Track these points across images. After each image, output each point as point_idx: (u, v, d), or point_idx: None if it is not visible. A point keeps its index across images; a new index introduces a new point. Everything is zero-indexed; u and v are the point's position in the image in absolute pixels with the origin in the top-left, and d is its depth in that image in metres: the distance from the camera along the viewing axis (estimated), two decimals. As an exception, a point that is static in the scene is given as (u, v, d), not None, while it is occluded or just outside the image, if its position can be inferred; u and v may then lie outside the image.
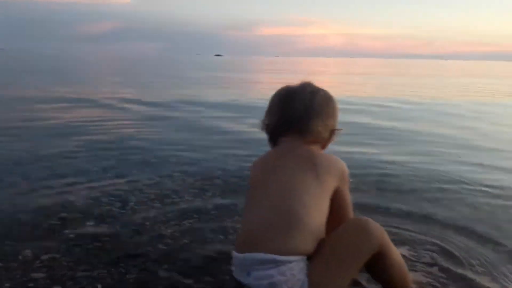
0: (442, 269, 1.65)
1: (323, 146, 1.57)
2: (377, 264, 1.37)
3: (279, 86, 1.58)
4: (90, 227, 1.95)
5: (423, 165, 3.27)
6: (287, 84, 1.59)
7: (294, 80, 1.59)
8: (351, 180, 1.56)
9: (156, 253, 1.71)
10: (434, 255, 1.76)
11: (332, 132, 1.55)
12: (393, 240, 1.42)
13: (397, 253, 1.45)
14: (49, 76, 14.90)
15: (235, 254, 1.37)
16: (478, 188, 2.69)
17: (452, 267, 1.66)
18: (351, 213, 1.51)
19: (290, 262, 1.26)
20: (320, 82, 1.65)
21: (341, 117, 1.59)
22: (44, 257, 1.65)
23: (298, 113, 1.49)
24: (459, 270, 1.64)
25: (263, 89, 10.57)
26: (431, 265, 1.68)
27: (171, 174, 2.83)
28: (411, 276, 1.51)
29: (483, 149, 4.05)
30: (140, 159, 3.25)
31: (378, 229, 1.36)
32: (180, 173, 2.87)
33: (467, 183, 2.78)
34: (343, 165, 1.48)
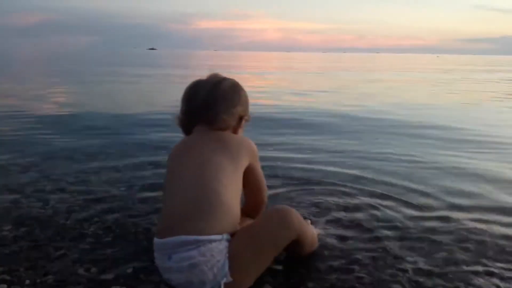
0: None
1: (234, 132, 1.65)
2: (293, 245, 1.49)
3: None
4: (6, 231, 1.86)
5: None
6: (197, 79, 1.64)
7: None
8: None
9: (77, 252, 1.68)
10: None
11: (241, 119, 1.65)
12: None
13: (310, 233, 1.62)
14: None
15: (156, 240, 1.39)
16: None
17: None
18: (264, 187, 1.70)
19: (210, 242, 1.30)
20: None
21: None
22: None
23: (201, 104, 1.56)
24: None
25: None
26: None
27: (98, 171, 2.77)
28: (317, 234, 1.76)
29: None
30: (67, 156, 3.14)
31: (297, 219, 1.47)
32: (107, 169, 2.82)
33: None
34: (251, 143, 1.61)
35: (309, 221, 1.84)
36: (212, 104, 1.55)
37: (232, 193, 1.43)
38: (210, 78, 1.64)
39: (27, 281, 1.48)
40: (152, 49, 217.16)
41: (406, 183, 2.62)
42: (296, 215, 1.47)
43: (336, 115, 5.51)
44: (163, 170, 2.61)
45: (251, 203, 1.72)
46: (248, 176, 1.59)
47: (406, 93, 9.30)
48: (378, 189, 2.49)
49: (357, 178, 2.70)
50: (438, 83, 12.60)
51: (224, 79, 1.64)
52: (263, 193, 1.71)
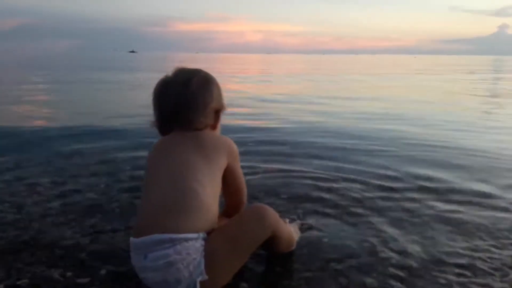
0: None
1: (213, 128, 1.62)
2: (270, 243, 1.51)
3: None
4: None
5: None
6: (163, 76, 1.58)
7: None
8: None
9: (52, 256, 1.66)
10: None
11: (217, 112, 1.61)
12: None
13: (287, 231, 1.62)
14: None
15: (132, 239, 1.38)
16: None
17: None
18: (243, 188, 1.68)
19: (186, 240, 1.30)
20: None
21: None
22: None
23: (173, 109, 1.52)
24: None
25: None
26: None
27: (76, 174, 2.73)
28: (295, 233, 1.77)
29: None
30: (43, 160, 3.09)
31: (273, 217, 1.49)
32: (86, 171, 2.79)
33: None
34: (231, 143, 1.59)
35: (286, 220, 1.85)
36: (184, 108, 1.51)
37: (209, 193, 1.43)
38: (178, 76, 1.56)
39: (1, 286, 1.45)
40: (133, 51, 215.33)
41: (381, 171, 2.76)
42: (272, 212, 1.49)
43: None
44: (140, 172, 2.65)
45: (231, 204, 1.72)
46: (227, 177, 1.58)
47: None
48: (356, 179, 2.58)
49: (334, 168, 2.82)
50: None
51: (193, 75, 1.56)
52: (243, 194, 1.70)
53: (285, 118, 5.26)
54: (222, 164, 1.53)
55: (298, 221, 1.97)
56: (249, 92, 9.01)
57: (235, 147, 1.60)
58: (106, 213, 2.10)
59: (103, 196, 2.34)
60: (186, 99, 1.51)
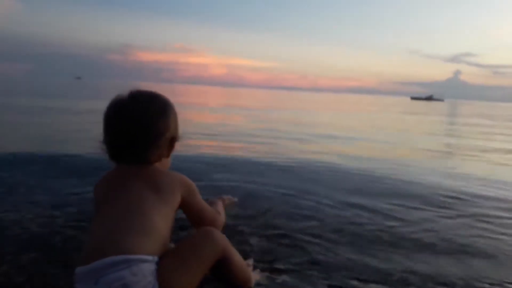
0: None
1: (167, 156, 1.60)
2: (222, 268, 1.49)
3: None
4: None
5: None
6: (117, 97, 1.50)
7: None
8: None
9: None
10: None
11: (172, 141, 1.58)
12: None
13: (239, 257, 1.59)
14: None
15: (79, 269, 1.26)
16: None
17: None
18: (209, 217, 1.66)
19: (142, 261, 1.25)
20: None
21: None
22: None
23: (126, 141, 1.46)
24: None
25: None
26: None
27: (16, 204, 2.57)
28: (254, 277, 1.70)
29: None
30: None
31: (221, 237, 1.49)
32: (28, 203, 2.63)
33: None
34: (185, 179, 1.56)
35: (250, 262, 1.84)
36: (138, 139, 1.45)
37: (162, 225, 1.40)
38: (134, 100, 1.48)
39: None
40: (78, 78, 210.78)
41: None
42: (219, 233, 1.49)
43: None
44: (86, 206, 2.52)
45: None
46: (189, 212, 1.60)
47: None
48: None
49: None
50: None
51: (150, 100, 1.50)
52: (211, 224, 1.63)
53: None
54: (175, 201, 1.51)
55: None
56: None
57: (188, 181, 1.59)
58: (47, 247, 1.97)
59: (45, 229, 2.21)
60: (141, 129, 1.45)
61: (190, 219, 1.64)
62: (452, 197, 3.36)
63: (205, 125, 9.25)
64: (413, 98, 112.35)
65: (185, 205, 1.57)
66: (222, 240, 1.49)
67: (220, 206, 1.91)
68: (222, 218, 1.77)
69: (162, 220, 1.41)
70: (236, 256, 1.57)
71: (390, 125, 12.46)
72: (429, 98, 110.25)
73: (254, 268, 1.84)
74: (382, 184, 3.75)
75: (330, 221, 2.59)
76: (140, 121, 1.45)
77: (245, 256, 1.98)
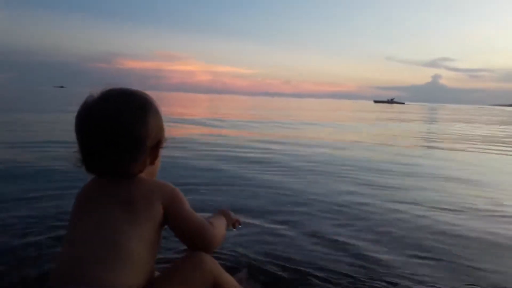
0: None
1: (152, 163, 1.34)
2: None
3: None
4: None
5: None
6: (88, 98, 1.25)
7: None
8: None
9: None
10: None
11: (157, 147, 1.32)
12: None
13: (231, 281, 1.47)
14: None
15: None
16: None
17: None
18: (199, 226, 1.36)
19: None
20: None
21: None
22: None
23: (99, 148, 1.23)
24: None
25: None
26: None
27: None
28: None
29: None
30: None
31: (213, 265, 1.36)
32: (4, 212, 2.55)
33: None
34: (163, 186, 1.32)
35: None
36: (114, 150, 1.22)
37: (141, 247, 1.20)
38: (106, 101, 1.23)
39: None
40: (61, 87, 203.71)
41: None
42: (209, 258, 1.36)
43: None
44: (64, 216, 2.45)
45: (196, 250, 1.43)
46: (174, 224, 1.32)
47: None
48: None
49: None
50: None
51: (125, 101, 1.24)
52: (202, 236, 1.36)
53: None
54: (156, 213, 1.28)
55: None
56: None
57: (169, 187, 1.33)
58: (20, 259, 1.90)
59: (21, 239, 2.13)
60: (116, 136, 1.21)
61: (176, 233, 1.35)
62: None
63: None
64: (376, 101, 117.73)
65: (168, 216, 1.30)
66: (215, 269, 1.35)
67: (217, 219, 1.57)
68: (215, 231, 1.42)
69: (140, 242, 1.20)
70: (228, 281, 1.44)
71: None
72: (391, 101, 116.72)
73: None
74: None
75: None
76: (113, 126, 1.20)
77: (238, 269, 1.96)
